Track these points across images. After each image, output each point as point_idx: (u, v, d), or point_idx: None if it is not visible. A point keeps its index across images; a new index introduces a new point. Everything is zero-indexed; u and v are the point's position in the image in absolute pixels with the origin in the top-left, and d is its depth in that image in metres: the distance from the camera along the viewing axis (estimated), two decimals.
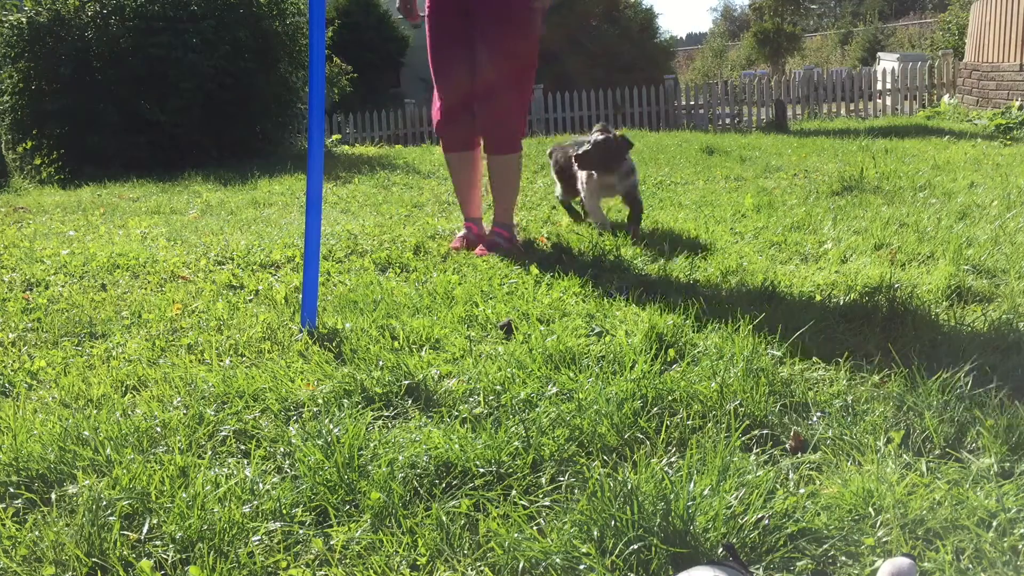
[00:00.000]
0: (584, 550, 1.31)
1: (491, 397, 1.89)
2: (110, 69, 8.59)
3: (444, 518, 1.43)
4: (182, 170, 7.76)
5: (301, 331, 2.42)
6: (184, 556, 1.39)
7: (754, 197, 4.19)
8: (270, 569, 1.37)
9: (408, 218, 4.43)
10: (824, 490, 1.45)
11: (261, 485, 1.57)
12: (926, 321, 2.20)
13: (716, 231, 3.51)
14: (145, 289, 3.12)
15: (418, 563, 1.35)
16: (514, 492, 1.52)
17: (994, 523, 1.33)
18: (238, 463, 1.67)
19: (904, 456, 1.54)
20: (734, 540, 1.33)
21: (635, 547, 1.30)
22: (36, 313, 2.80)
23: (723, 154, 6.69)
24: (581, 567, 1.29)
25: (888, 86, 12.95)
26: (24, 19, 8.58)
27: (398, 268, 3.23)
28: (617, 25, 21.45)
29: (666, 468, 1.54)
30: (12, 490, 1.62)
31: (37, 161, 8.94)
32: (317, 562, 1.38)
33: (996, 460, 1.49)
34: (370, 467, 1.60)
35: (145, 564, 1.35)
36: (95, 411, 1.94)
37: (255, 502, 1.51)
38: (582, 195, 3.79)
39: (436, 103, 3.55)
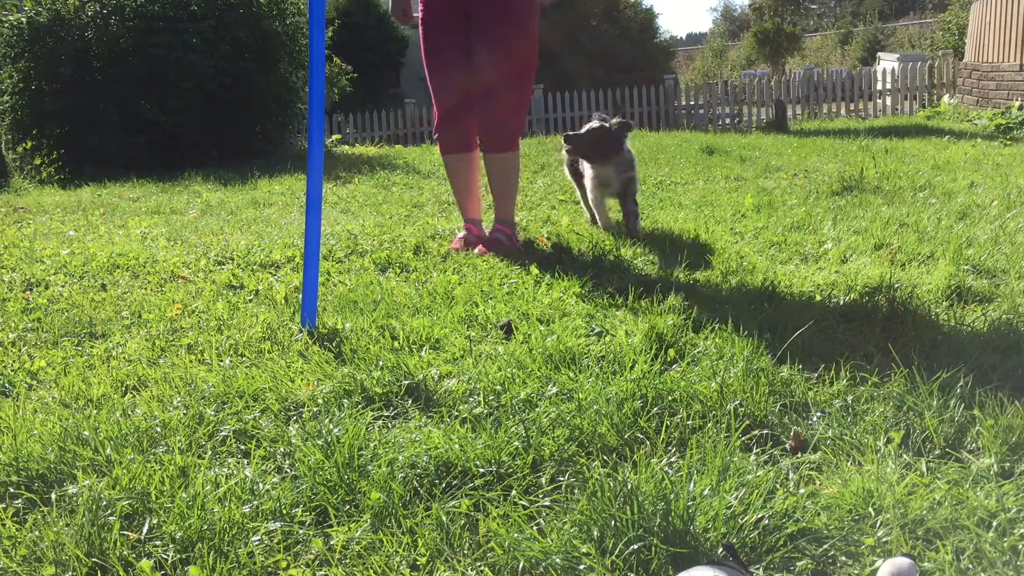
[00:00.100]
0: (584, 550, 1.31)
1: (491, 397, 1.89)
2: (110, 69, 8.59)
3: (444, 518, 1.43)
4: (182, 170, 7.76)
5: (301, 331, 2.42)
6: (184, 556, 1.39)
7: (754, 197, 4.19)
8: (270, 569, 1.37)
9: (408, 218, 4.43)
10: (824, 490, 1.45)
11: (261, 485, 1.57)
12: (926, 321, 2.20)
13: (716, 231, 3.51)
14: (145, 289, 3.12)
15: (418, 563, 1.35)
16: (514, 492, 1.52)
17: (994, 523, 1.33)
18: (238, 463, 1.67)
19: (904, 456, 1.54)
20: (734, 540, 1.33)
21: (635, 547, 1.30)
22: (36, 313, 2.80)
23: (723, 154, 6.69)
24: (581, 567, 1.29)
25: (888, 86, 12.95)
26: (24, 19, 8.58)
27: (398, 268, 3.23)
28: (617, 25, 21.45)
29: (666, 468, 1.54)
30: (12, 490, 1.62)
31: (37, 161, 8.94)
32: (317, 562, 1.38)
33: (996, 460, 1.49)
34: (370, 467, 1.60)
35: (145, 564, 1.35)
36: (95, 411, 1.94)
37: (255, 502, 1.51)
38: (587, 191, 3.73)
39: (436, 105, 3.55)
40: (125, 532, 1.45)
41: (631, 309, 2.45)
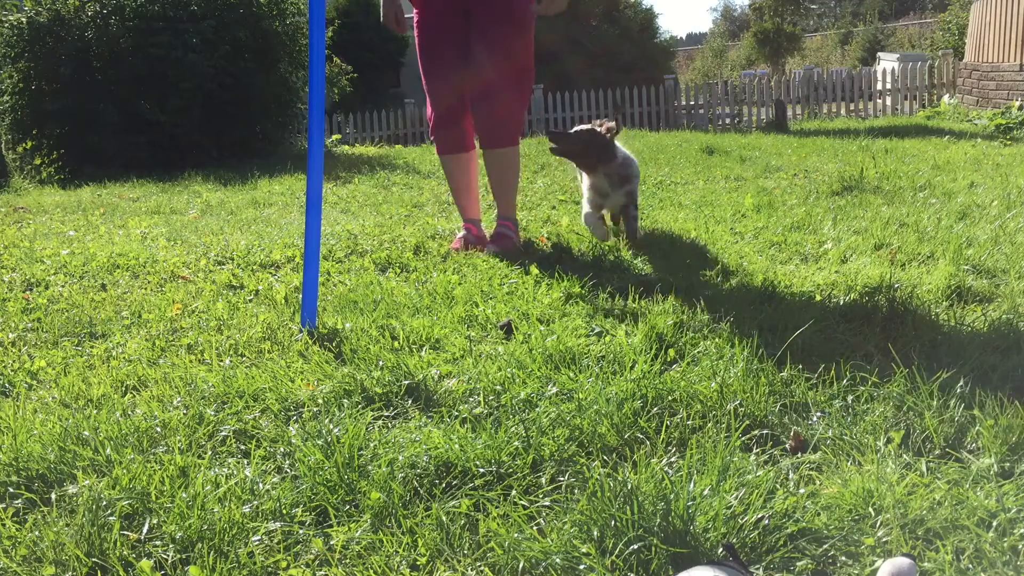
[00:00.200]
0: (584, 550, 1.31)
1: (491, 397, 1.89)
2: (110, 69, 8.60)
3: (444, 518, 1.43)
4: (182, 170, 7.76)
5: (301, 331, 2.42)
6: (184, 556, 1.39)
7: (754, 197, 4.19)
8: (270, 569, 1.37)
9: (408, 218, 4.43)
10: (824, 490, 1.45)
11: (261, 485, 1.57)
12: (926, 321, 2.20)
13: (716, 231, 3.51)
14: (145, 289, 3.12)
15: (418, 563, 1.35)
16: (514, 492, 1.52)
17: (994, 523, 1.33)
18: (238, 463, 1.67)
19: (904, 456, 1.54)
20: (734, 540, 1.33)
21: (635, 547, 1.30)
22: (36, 313, 2.80)
23: (723, 154, 6.69)
24: (581, 567, 1.29)
25: (888, 86, 12.96)
26: (24, 19, 8.58)
27: (398, 268, 3.23)
28: (617, 25, 21.46)
29: (666, 468, 1.54)
30: (12, 490, 1.62)
31: (37, 161, 8.94)
32: (317, 562, 1.38)
33: (996, 460, 1.49)
34: (370, 467, 1.60)
35: (145, 564, 1.35)
36: (95, 411, 1.94)
37: (255, 502, 1.51)
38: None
39: (430, 107, 3.55)
40: (125, 532, 1.45)
41: (631, 309, 2.45)
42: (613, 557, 1.29)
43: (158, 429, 1.83)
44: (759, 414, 1.72)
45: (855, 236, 3.25)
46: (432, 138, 3.63)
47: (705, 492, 1.42)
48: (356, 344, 2.27)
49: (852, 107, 13.46)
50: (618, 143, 3.44)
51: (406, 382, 1.97)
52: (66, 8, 8.68)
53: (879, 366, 1.90)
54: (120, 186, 6.99)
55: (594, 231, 3.36)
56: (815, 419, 1.71)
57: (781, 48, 29.86)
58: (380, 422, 1.83)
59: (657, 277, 2.81)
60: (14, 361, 2.37)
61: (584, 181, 3.44)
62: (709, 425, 1.70)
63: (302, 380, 2.05)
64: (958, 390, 1.72)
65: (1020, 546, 1.28)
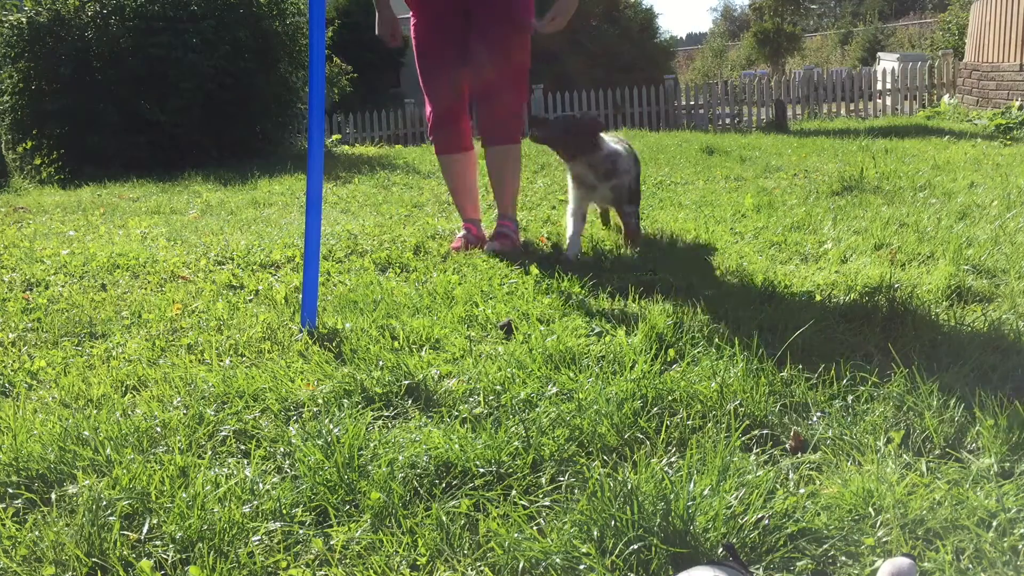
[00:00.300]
0: (584, 550, 1.31)
1: (491, 397, 1.89)
2: (110, 69, 8.59)
3: (444, 518, 1.43)
4: (182, 170, 7.76)
5: (301, 331, 2.42)
6: (184, 556, 1.39)
7: (754, 197, 4.19)
8: (270, 569, 1.37)
9: (408, 218, 4.43)
10: (824, 490, 1.45)
11: (261, 485, 1.57)
12: (926, 321, 2.20)
13: (716, 231, 3.51)
14: (145, 289, 3.12)
15: (418, 563, 1.35)
16: (514, 492, 1.52)
17: (994, 523, 1.33)
18: (238, 463, 1.67)
19: (904, 456, 1.54)
20: (734, 540, 1.33)
21: (635, 547, 1.30)
22: (36, 313, 2.80)
23: (723, 154, 6.69)
24: (581, 567, 1.29)
25: (888, 86, 12.96)
26: (24, 19, 8.58)
27: (398, 268, 3.23)
28: (617, 25, 21.46)
29: (666, 468, 1.54)
30: (12, 490, 1.62)
31: (37, 161, 8.94)
32: (317, 562, 1.38)
33: (996, 460, 1.49)
34: (370, 467, 1.60)
35: (145, 564, 1.35)
36: (95, 411, 1.94)
37: (255, 502, 1.52)
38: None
39: (428, 107, 3.54)
40: (125, 532, 1.45)
41: (631, 309, 2.45)
42: (613, 557, 1.29)
43: (158, 429, 1.83)
44: (759, 414, 1.72)
45: (855, 236, 3.25)
46: (431, 138, 3.63)
47: (705, 492, 1.42)
48: (356, 344, 2.27)
49: (852, 107, 13.46)
50: (617, 139, 3.42)
51: (406, 382, 1.97)
52: (66, 8, 8.68)
53: (879, 366, 1.90)
54: (120, 186, 6.99)
55: (570, 232, 3.23)
56: (815, 419, 1.71)
57: (781, 48, 29.86)
58: (380, 422, 1.83)
59: (657, 277, 2.81)
60: (14, 361, 2.37)
61: (568, 174, 3.33)
62: (709, 425, 1.70)
63: (302, 380, 2.05)
64: (958, 390, 1.72)
65: (1020, 546, 1.28)
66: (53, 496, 1.59)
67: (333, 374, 2.06)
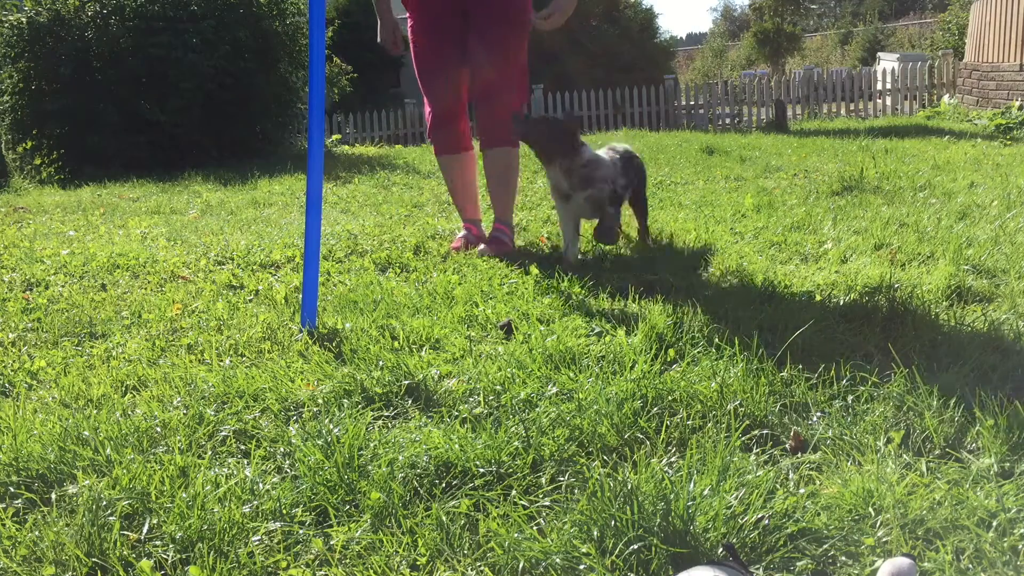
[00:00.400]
0: (584, 550, 1.31)
1: (491, 397, 1.89)
2: (110, 69, 8.59)
3: (444, 518, 1.43)
4: (182, 170, 7.76)
5: (301, 331, 2.42)
6: (184, 556, 1.39)
7: (754, 197, 4.19)
8: (270, 569, 1.37)
9: (408, 218, 4.43)
10: (824, 490, 1.45)
11: (261, 485, 1.57)
12: (926, 321, 2.20)
13: (716, 231, 3.51)
14: (145, 289, 3.12)
15: (418, 563, 1.35)
16: (514, 492, 1.52)
17: (994, 523, 1.33)
18: (238, 463, 1.67)
19: (904, 456, 1.54)
20: (734, 540, 1.33)
21: (635, 547, 1.30)
22: (36, 313, 2.80)
23: (723, 154, 6.69)
24: (581, 567, 1.29)
25: (888, 86, 12.96)
26: (24, 19, 8.58)
27: (398, 268, 3.23)
28: (617, 25, 21.46)
29: (666, 468, 1.54)
30: (12, 490, 1.62)
31: (37, 161, 8.94)
32: (317, 562, 1.38)
33: (996, 460, 1.49)
34: (370, 467, 1.60)
35: (145, 564, 1.35)
36: (95, 411, 1.94)
37: (255, 502, 1.51)
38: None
39: (427, 108, 3.54)
40: (125, 532, 1.45)
41: (631, 309, 2.45)
42: (613, 557, 1.29)
43: (158, 429, 1.83)
44: (759, 414, 1.72)
45: (855, 236, 3.25)
46: (430, 139, 3.63)
47: (705, 492, 1.42)
48: (356, 344, 2.27)
49: (852, 107, 13.45)
50: (613, 147, 3.30)
51: (406, 382, 1.97)
52: (66, 8, 8.68)
53: (879, 366, 1.90)
54: (120, 186, 6.99)
55: (566, 238, 3.14)
56: (815, 419, 1.71)
57: (781, 48, 29.87)
58: (380, 422, 1.83)
59: (657, 277, 2.81)
60: (14, 361, 2.37)
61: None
62: (709, 425, 1.70)
63: (302, 380, 2.05)
64: (958, 390, 1.72)
65: (1020, 546, 1.28)
66: (53, 496, 1.59)
67: (333, 374, 2.06)
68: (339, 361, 2.18)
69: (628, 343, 2.13)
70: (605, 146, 3.35)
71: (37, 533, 1.46)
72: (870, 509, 1.38)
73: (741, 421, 1.68)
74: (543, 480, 1.56)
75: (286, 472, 1.64)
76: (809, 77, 13.84)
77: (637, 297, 2.54)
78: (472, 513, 1.46)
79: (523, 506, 1.48)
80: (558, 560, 1.30)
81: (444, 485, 1.55)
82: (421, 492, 1.54)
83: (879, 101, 13.14)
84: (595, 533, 1.34)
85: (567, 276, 2.79)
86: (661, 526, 1.33)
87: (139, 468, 1.64)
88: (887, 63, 14.79)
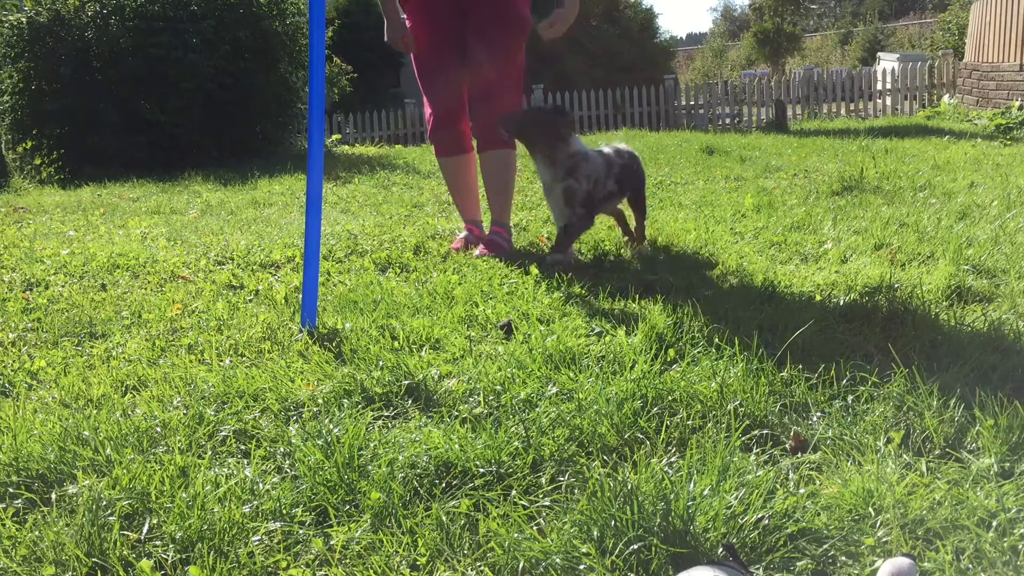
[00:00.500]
0: (584, 550, 1.31)
1: (491, 397, 1.89)
2: (110, 69, 8.60)
3: (444, 518, 1.43)
4: (182, 170, 7.76)
5: (301, 331, 2.42)
6: (184, 556, 1.39)
7: (754, 197, 4.19)
8: (270, 569, 1.37)
9: (408, 218, 4.43)
10: (824, 490, 1.45)
11: (261, 485, 1.57)
12: (926, 321, 2.20)
13: (716, 231, 3.51)
14: (145, 289, 3.12)
15: (418, 563, 1.35)
16: (514, 492, 1.52)
17: (994, 523, 1.33)
18: (238, 463, 1.67)
19: (904, 456, 1.54)
20: (734, 540, 1.33)
21: (635, 547, 1.30)
22: (36, 313, 2.80)
23: (723, 154, 6.69)
24: (581, 567, 1.29)
25: (888, 86, 12.95)
26: (24, 19, 8.58)
27: (398, 268, 3.23)
28: (617, 25, 21.46)
29: (666, 468, 1.54)
30: (12, 490, 1.62)
31: (37, 161, 8.94)
32: (317, 562, 1.38)
33: (996, 460, 1.49)
34: (370, 467, 1.60)
35: (145, 564, 1.35)
36: (95, 411, 1.94)
37: (255, 502, 1.52)
38: None
39: (428, 109, 3.53)
40: (125, 532, 1.45)
41: (631, 309, 2.45)
42: (613, 557, 1.29)
43: (158, 429, 1.83)
44: (759, 414, 1.72)
45: (855, 236, 3.25)
46: (431, 140, 3.62)
47: (705, 492, 1.42)
48: (356, 344, 2.27)
49: (852, 107, 13.45)
50: (612, 147, 3.24)
51: (406, 382, 1.97)
52: (66, 8, 8.68)
53: (879, 366, 1.90)
54: (120, 186, 6.99)
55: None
56: (815, 419, 1.71)
57: (781, 48, 29.86)
58: (380, 422, 1.83)
59: (657, 277, 2.81)
60: (14, 361, 2.37)
61: None
62: (709, 425, 1.70)
63: (302, 380, 2.05)
64: (958, 390, 1.72)
65: (1020, 546, 1.28)
66: (53, 496, 1.59)
67: (333, 374, 2.06)
68: (339, 361, 2.18)
69: (628, 343, 2.13)
70: (610, 144, 3.33)
71: (37, 533, 1.46)
72: (870, 509, 1.38)
73: (741, 421, 1.68)
74: (543, 480, 1.56)
75: (286, 472, 1.64)
76: (809, 77, 13.84)
77: (637, 297, 2.54)
78: (472, 513, 1.47)
79: (523, 506, 1.48)
80: (558, 560, 1.30)
81: (444, 485, 1.55)
82: (421, 492, 1.54)
83: (879, 101, 13.14)
84: (595, 533, 1.34)
85: (567, 276, 2.79)
86: (661, 526, 1.33)
87: (139, 468, 1.64)
88: (887, 63, 14.79)
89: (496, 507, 1.47)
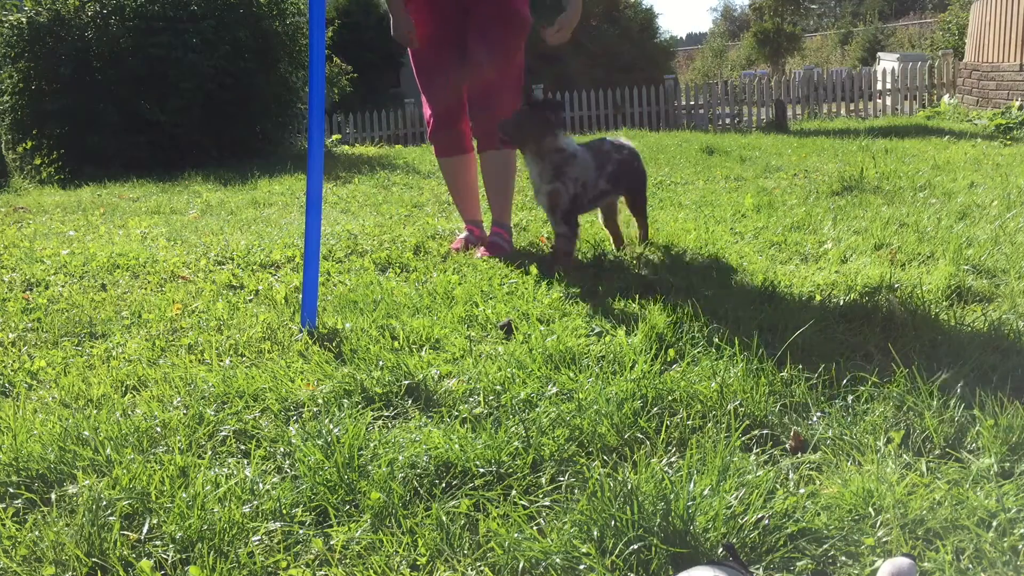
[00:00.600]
0: (584, 550, 1.31)
1: (491, 397, 1.89)
2: (110, 69, 8.60)
3: (444, 518, 1.43)
4: (182, 170, 7.76)
5: (301, 331, 2.42)
6: (184, 556, 1.39)
7: (754, 197, 4.19)
8: (270, 569, 1.37)
9: (408, 218, 4.43)
10: (824, 490, 1.45)
11: (261, 485, 1.57)
12: (926, 321, 2.20)
13: (716, 231, 3.51)
14: (145, 289, 3.12)
15: (418, 563, 1.35)
16: (514, 492, 1.52)
17: (994, 523, 1.33)
18: (238, 463, 1.67)
19: (904, 456, 1.54)
20: (734, 540, 1.33)
21: (635, 547, 1.30)
22: (36, 313, 2.80)
23: (723, 154, 6.69)
24: (581, 567, 1.29)
25: (888, 86, 12.95)
26: (24, 19, 8.58)
27: (398, 268, 3.23)
28: (617, 25, 21.45)
29: (666, 468, 1.54)
30: (12, 490, 1.62)
31: (37, 161, 8.94)
32: (317, 562, 1.38)
33: (996, 460, 1.49)
34: (370, 467, 1.60)
35: (145, 564, 1.35)
36: (95, 411, 1.94)
37: (255, 502, 1.52)
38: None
39: (427, 109, 3.52)
40: (125, 532, 1.45)
41: (631, 309, 2.45)
42: (613, 557, 1.29)
43: (158, 429, 1.83)
44: (759, 414, 1.72)
45: (855, 236, 3.25)
46: (431, 141, 3.62)
47: (705, 492, 1.42)
48: (356, 344, 2.27)
49: (852, 107, 13.45)
50: (617, 142, 3.18)
51: (406, 382, 1.97)
52: (66, 8, 8.68)
53: (879, 366, 1.90)
54: (120, 186, 6.99)
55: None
56: (815, 419, 1.71)
57: (781, 48, 29.85)
58: (380, 422, 1.83)
59: (657, 277, 2.81)
60: (14, 361, 2.37)
61: None
62: (709, 425, 1.70)
63: (302, 380, 2.05)
64: (958, 390, 1.72)
65: (1020, 546, 1.28)
66: (53, 496, 1.59)
67: (333, 374, 2.06)
68: (339, 361, 2.18)
69: (628, 343, 2.13)
70: (612, 137, 3.25)
71: (37, 533, 1.46)
72: (870, 509, 1.38)
73: (741, 421, 1.68)
74: (543, 480, 1.56)
75: (286, 472, 1.64)
76: (809, 77, 13.84)
77: (637, 297, 2.54)
78: (472, 513, 1.47)
79: (523, 506, 1.48)
80: (558, 560, 1.30)
81: (444, 485, 1.55)
82: (421, 492, 1.54)
83: (879, 101, 13.14)
84: (595, 533, 1.34)
85: (567, 275, 2.79)
86: (661, 526, 1.33)
87: (139, 468, 1.64)
88: (887, 63, 14.79)
89: (496, 507, 1.47)
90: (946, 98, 11.60)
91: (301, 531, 1.45)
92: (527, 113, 2.97)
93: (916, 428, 1.63)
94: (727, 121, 13.77)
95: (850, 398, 1.76)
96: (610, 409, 1.74)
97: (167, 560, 1.39)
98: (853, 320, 2.24)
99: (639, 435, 1.69)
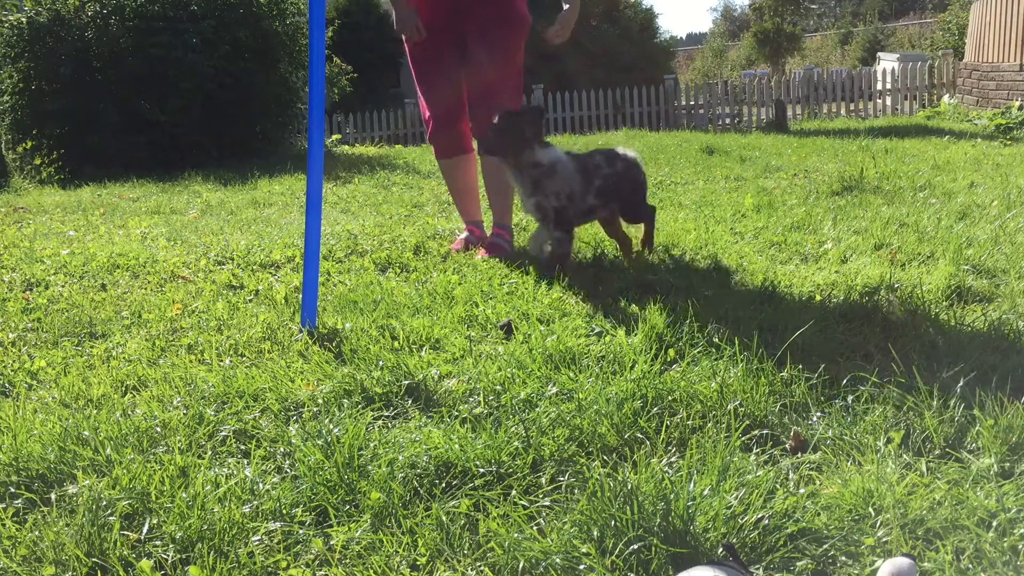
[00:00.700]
0: (584, 550, 1.31)
1: (491, 397, 1.89)
2: (110, 69, 8.59)
3: (444, 518, 1.43)
4: (182, 170, 7.76)
5: (301, 331, 2.42)
6: (184, 556, 1.39)
7: (754, 197, 4.19)
8: (270, 569, 1.37)
9: (408, 218, 4.43)
10: (824, 490, 1.45)
11: (261, 485, 1.57)
12: (926, 321, 2.20)
13: (716, 231, 3.51)
14: (145, 289, 3.12)
15: (418, 563, 1.35)
16: (514, 492, 1.52)
17: (994, 523, 1.33)
18: (238, 463, 1.67)
19: (904, 456, 1.54)
20: (734, 540, 1.33)
21: (635, 547, 1.30)
22: (36, 313, 2.80)
23: (723, 154, 6.69)
24: (581, 567, 1.29)
25: (888, 86, 12.95)
26: (24, 19, 8.58)
27: (398, 268, 3.23)
28: (617, 25, 21.44)
29: (666, 468, 1.54)
30: (12, 490, 1.62)
31: (37, 161, 8.94)
32: (317, 562, 1.38)
33: (996, 460, 1.49)
34: (370, 467, 1.60)
35: (145, 564, 1.35)
36: (95, 411, 1.94)
37: (255, 502, 1.52)
38: None
39: (425, 110, 3.51)
40: (125, 532, 1.45)
41: (631, 309, 2.45)
42: (613, 557, 1.29)
43: (158, 429, 1.83)
44: (759, 414, 1.72)
45: (855, 236, 3.25)
46: (430, 142, 3.61)
47: (705, 492, 1.42)
48: (356, 344, 2.27)
49: (852, 107, 13.45)
50: (619, 151, 3.06)
51: (406, 382, 1.97)
52: (66, 8, 8.68)
53: (879, 366, 1.90)
54: (120, 186, 6.99)
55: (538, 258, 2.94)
56: (815, 419, 1.71)
57: (781, 48, 29.84)
58: (380, 422, 1.83)
59: (657, 277, 2.81)
60: (14, 361, 2.37)
61: None
62: (709, 425, 1.70)
63: (302, 380, 2.05)
64: (958, 390, 1.72)
65: (1020, 546, 1.28)
66: (53, 496, 1.59)
67: (333, 374, 2.06)
68: (339, 361, 2.18)
69: (628, 343, 2.13)
70: (607, 147, 3.16)
71: (37, 533, 1.46)
72: (870, 509, 1.38)
73: (741, 421, 1.68)
74: (543, 480, 1.56)
75: (286, 472, 1.64)
76: (809, 77, 13.83)
77: (637, 297, 2.53)
78: (472, 513, 1.47)
79: (523, 506, 1.48)
80: (558, 560, 1.30)
81: (444, 485, 1.55)
82: (421, 492, 1.54)
83: (879, 101, 13.13)
84: (595, 533, 1.34)
85: (567, 275, 2.79)
86: (661, 526, 1.33)
87: (139, 468, 1.64)
88: (887, 63, 14.79)
89: (496, 507, 1.47)
90: (946, 98, 11.59)
91: (301, 531, 1.45)
92: (503, 128, 2.86)
93: (916, 428, 1.63)
94: (727, 121, 13.76)
95: (850, 398, 1.76)
96: (610, 409, 1.74)
97: (167, 560, 1.39)
98: (853, 320, 2.24)
99: (639, 435, 1.69)
